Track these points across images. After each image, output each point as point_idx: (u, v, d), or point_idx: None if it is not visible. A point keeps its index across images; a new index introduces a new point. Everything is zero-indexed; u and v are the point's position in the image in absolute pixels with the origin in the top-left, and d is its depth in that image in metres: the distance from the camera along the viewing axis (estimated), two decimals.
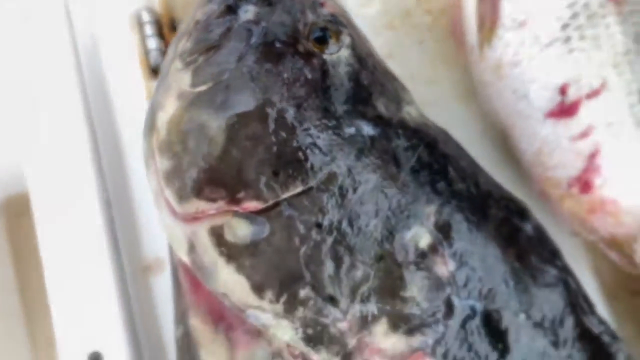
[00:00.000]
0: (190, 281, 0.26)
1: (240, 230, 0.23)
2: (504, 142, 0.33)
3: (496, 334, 0.25)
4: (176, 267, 0.28)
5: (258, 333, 0.25)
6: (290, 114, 0.24)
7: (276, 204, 0.24)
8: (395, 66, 0.31)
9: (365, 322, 0.24)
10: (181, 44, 0.26)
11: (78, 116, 0.35)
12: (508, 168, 0.33)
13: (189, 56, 0.25)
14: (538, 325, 0.26)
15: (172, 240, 0.25)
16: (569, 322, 0.26)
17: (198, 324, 0.26)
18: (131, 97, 0.36)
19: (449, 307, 0.24)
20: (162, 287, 0.34)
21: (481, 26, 0.31)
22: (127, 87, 0.36)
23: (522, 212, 0.28)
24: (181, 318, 0.27)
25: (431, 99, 0.33)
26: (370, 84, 0.27)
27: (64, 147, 0.34)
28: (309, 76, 0.25)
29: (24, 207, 0.44)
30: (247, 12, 0.26)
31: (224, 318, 0.25)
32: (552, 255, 0.28)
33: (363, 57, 0.27)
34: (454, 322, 0.24)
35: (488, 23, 0.31)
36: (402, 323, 0.24)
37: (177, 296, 0.28)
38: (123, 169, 0.36)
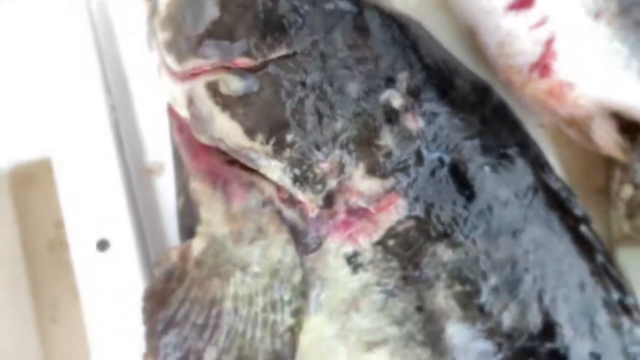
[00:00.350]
0: (190, 150, 0.30)
1: (233, 85, 0.26)
2: (472, 44, 0.37)
3: (463, 182, 0.28)
4: (177, 148, 0.31)
5: (251, 184, 0.28)
6: None
7: (264, 64, 0.27)
8: None
9: (344, 166, 0.27)
10: None
11: (85, 34, 0.38)
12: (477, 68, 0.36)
13: None
14: (501, 177, 0.29)
15: (173, 100, 0.28)
16: (529, 176, 0.29)
17: (198, 185, 0.29)
18: (132, 17, 0.39)
19: (419, 157, 0.27)
20: (163, 186, 0.37)
21: None
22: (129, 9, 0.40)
23: (486, 87, 0.31)
24: (182, 189, 0.30)
25: (405, 8, 0.37)
26: None
27: (73, 66, 0.37)
28: None
29: (29, 176, 0.47)
30: None
31: (221, 175, 0.28)
32: (514, 123, 0.31)
33: None
34: (424, 170, 0.27)
35: None
36: (377, 168, 0.27)
37: (179, 173, 0.31)
38: (126, 82, 0.39)
